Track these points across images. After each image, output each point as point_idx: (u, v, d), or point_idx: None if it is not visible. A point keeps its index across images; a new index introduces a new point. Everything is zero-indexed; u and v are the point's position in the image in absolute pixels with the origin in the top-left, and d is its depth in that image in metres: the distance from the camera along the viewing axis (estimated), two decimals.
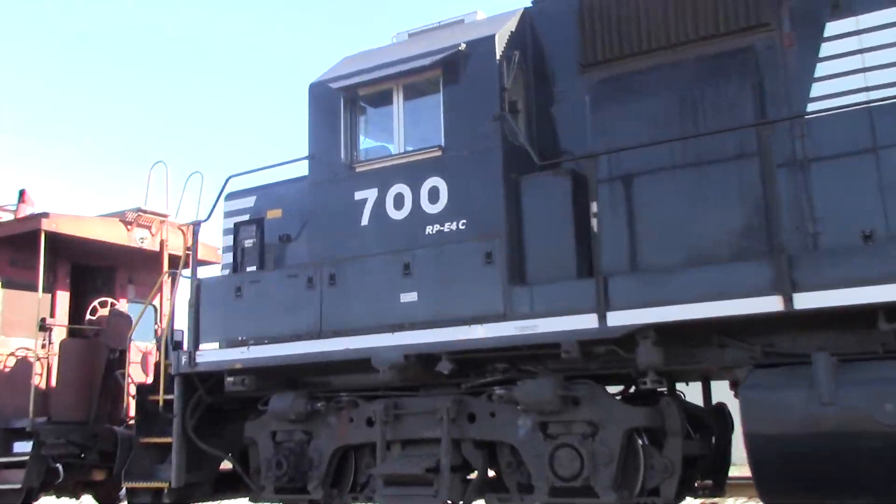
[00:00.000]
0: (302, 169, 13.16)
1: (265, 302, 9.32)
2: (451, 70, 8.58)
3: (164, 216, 12.92)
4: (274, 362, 9.09)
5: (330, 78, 9.27)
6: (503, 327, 7.90)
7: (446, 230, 8.36)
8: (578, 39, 8.60)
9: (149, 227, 12.78)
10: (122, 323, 11.95)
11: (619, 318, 7.39)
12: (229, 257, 10.55)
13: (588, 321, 7.53)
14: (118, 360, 11.74)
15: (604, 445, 7.71)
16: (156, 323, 12.70)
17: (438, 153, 8.53)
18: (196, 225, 10.14)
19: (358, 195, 8.92)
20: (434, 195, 8.48)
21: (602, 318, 7.46)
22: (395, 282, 8.51)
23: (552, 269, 7.95)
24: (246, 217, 10.50)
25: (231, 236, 10.53)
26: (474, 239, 8.17)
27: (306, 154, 9.32)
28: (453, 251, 8.26)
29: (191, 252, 10.20)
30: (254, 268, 10.18)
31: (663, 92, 7.94)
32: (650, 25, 8.19)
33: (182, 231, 13.09)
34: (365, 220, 8.84)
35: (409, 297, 8.44)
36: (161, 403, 9.97)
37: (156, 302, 13.59)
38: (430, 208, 8.49)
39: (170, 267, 12.69)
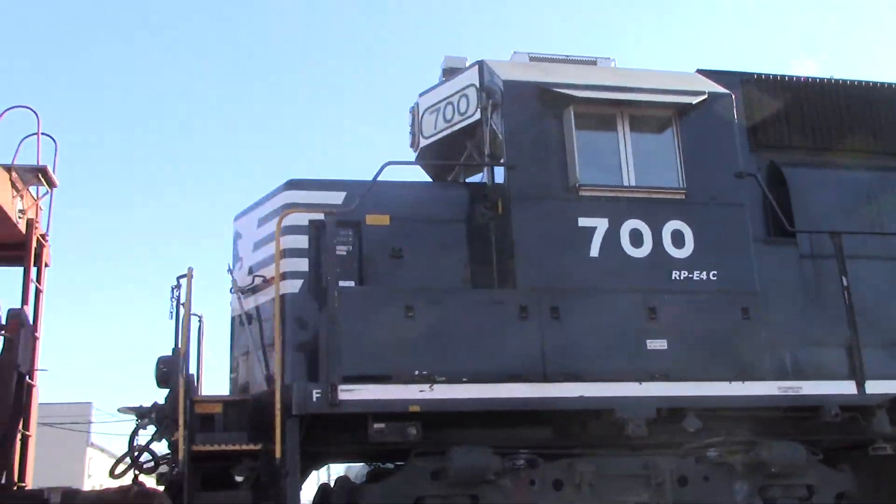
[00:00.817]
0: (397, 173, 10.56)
1: (455, 329, 7.33)
2: (686, 114, 8.27)
3: (55, 186, 8.78)
4: (479, 407, 7.16)
5: (547, 83, 8.02)
6: (766, 386, 7.74)
7: (696, 278, 7.87)
8: (751, 121, 9.06)
9: (23, 197, 8.51)
10: (31, 337, 7.60)
11: (875, 388, 7.95)
12: (295, 263, 7.90)
13: (845, 388, 7.92)
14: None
15: None
16: None
17: (681, 196, 8.06)
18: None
19: (583, 221, 7.80)
20: (678, 239, 7.94)
21: (860, 386, 7.92)
22: (640, 326, 7.64)
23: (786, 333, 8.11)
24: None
25: (299, 236, 7.93)
26: (729, 292, 7.89)
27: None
28: (707, 302, 7.82)
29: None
30: (351, 283, 7.83)
31: (852, 188, 8.91)
32: (833, 127, 9.16)
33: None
34: (594, 252, 7.75)
35: (657, 344, 7.65)
36: (279, 455, 6.78)
37: None
38: (674, 252, 7.90)
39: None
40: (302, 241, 7.94)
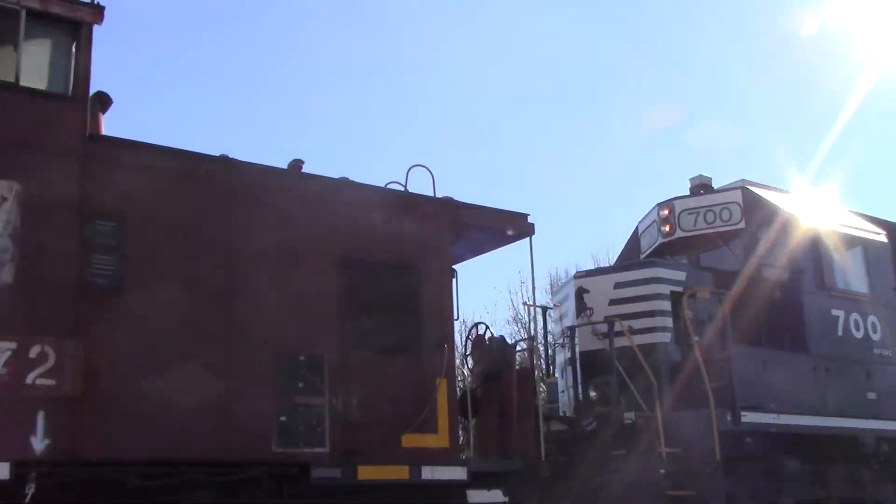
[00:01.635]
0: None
1: (784, 377, 11.04)
2: (870, 244, 12.73)
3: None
4: (807, 431, 10.96)
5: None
6: None
7: (884, 354, 12.30)
8: None
9: None
10: None
11: None
12: (663, 321, 11.08)
13: None
14: None
15: None
16: None
17: (872, 299, 12.46)
18: None
19: (833, 311, 11.93)
20: (874, 327, 12.32)
21: None
22: (863, 383, 11.90)
23: None
24: (678, 288, 11.29)
25: (665, 302, 11.15)
26: None
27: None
28: (889, 371, 12.26)
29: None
30: (697, 338, 11.20)
31: None
32: None
33: None
34: (840, 332, 11.89)
35: (871, 395, 11.94)
36: (718, 456, 9.96)
37: None
38: (873, 336, 12.28)
39: None
40: (667, 305, 11.18)
